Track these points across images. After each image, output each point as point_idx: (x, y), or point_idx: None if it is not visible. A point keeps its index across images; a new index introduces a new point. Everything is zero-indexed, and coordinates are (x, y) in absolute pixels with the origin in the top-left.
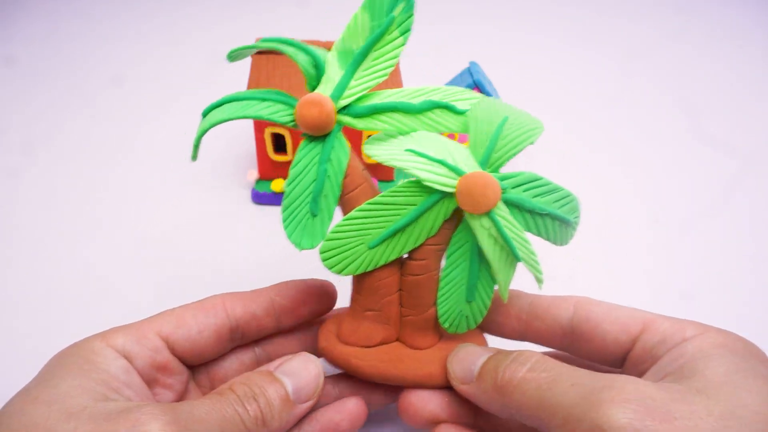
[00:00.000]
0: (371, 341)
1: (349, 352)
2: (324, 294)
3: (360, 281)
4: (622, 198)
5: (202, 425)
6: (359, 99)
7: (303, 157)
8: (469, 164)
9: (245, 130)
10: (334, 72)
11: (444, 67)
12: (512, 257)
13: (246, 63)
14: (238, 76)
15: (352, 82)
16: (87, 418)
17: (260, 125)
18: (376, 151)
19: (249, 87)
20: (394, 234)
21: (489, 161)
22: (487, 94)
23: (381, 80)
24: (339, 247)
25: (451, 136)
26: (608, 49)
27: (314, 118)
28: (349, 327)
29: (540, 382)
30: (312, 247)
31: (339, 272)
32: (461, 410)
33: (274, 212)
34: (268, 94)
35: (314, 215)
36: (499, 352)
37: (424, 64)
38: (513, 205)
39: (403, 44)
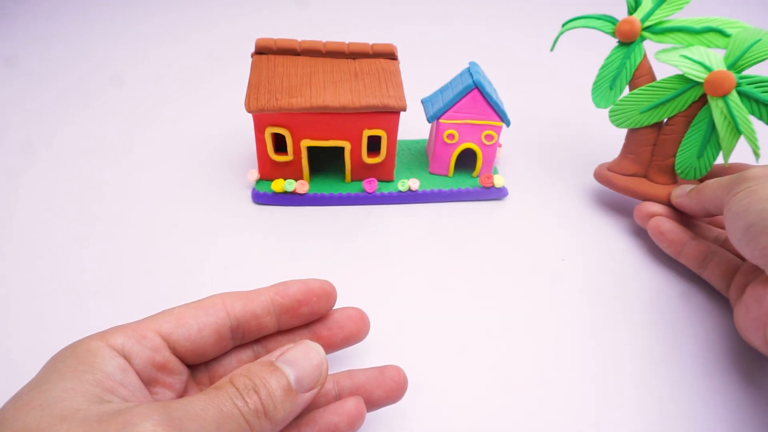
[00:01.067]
0: (627, 172)
1: (611, 174)
2: (324, 294)
3: (631, 134)
4: None
5: (197, 422)
6: (659, 23)
7: (613, 55)
8: (718, 65)
9: (245, 130)
10: (646, 4)
11: (444, 67)
12: (736, 130)
13: (246, 63)
14: (238, 77)
15: (657, 12)
16: (79, 422)
17: (260, 125)
18: (665, 56)
19: (249, 87)
20: (658, 106)
21: (735, 65)
22: (487, 94)
23: (677, 12)
24: (622, 110)
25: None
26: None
27: (627, 30)
28: (615, 162)
29: (721, 181)
30: (604, 107)
31: (618, 125)
32: (668, 213)
33: (275, 212)
34: (602, 17)
35: (611, 89)
36: None
37: (424, 64)
38: (744, 95)
39: None
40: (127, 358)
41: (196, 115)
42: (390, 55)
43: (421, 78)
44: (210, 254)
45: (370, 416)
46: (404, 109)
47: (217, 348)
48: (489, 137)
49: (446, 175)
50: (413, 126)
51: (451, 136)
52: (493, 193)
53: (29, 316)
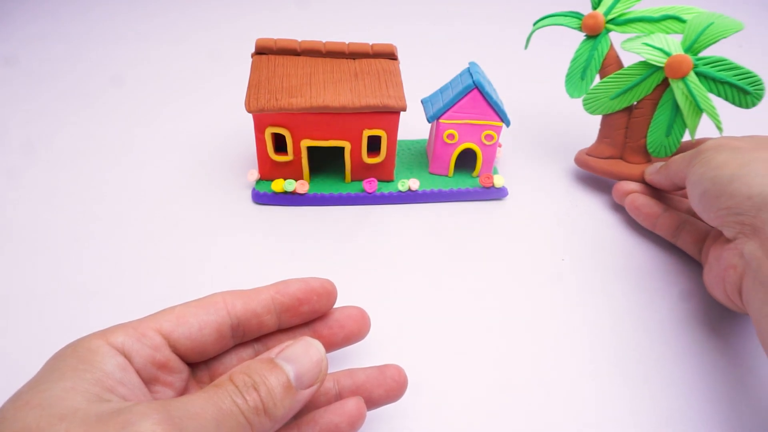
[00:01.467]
0: (603, 155)
1: (589, 158)
2: (324, 292)
3: (604, 119)
4: None
5: (197, 421)
6: (621, 15)
7: (582, 47)
8: (676, 50)
9: (245, 130)
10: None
11: (444, 67)
12: (697, 108)
13: (246, 63)
14: (238, 77)
15: (618, 5)
16: (79, 421)
17: (260, 125)
18: (629, 45)
19: (249, 87)
20: (625, 91)
21: (692, 48)
22: (487, 94)
23: (637, 3)
24: (594, 97)
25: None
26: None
27: (592, 24)
28: (593, 146)
29: (684, 155)
30: (578, 97)
31: (592, 112)
32: (643, 190)
33: (275, 212)
34: (568, 13)
35: (582, 79)
36: None
37: (424, 64)
38: (702, 75)
39: None
40: (127, 357)
41: (196, 115)
42: (390, 55)
43: (421, 78)
44: (210, 254)
45: (371, 415)
46: (404, 109)
47: (218, 346)
48: (489, 137)
49: (446, 175)
50: (413, 126)
51: (451, 136)
52: (493, 193)
53: (29, 316)
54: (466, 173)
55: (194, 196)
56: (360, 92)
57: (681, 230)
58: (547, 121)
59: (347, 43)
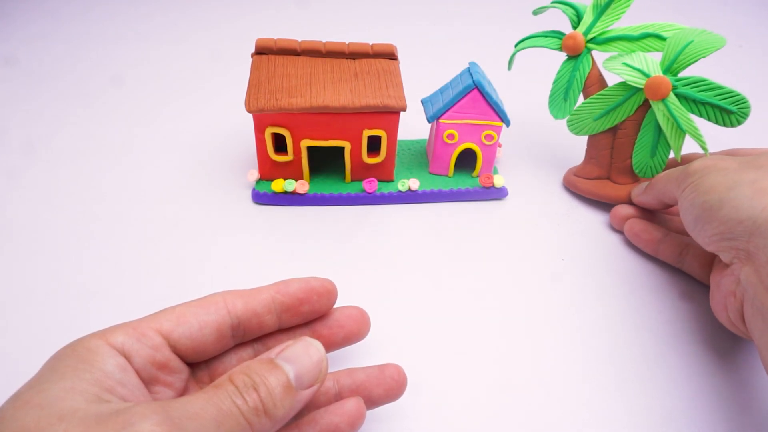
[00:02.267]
0: (590, 175)
1: (577, 179)
2: (324, 292)
3: (590, 140)
4: None
5: (196, 421)
6: (601, 33)
7: (564, 68)
8: (655, 70)
9: (245, 130)
10: (587, 17)
11: (444, 67)
12: (680, 129)
13: (246, 63)
14: (238, 77)
15: (598, 24)
16: (78, 421)
17: (260, 125)
18: (610, 65)
19: (249, 87)
20: (608, 112)
21: (671, 68)
22: (487, 94)
23: (616, 22)
24: (577, 118)
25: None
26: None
27: (571, 45)
28: (580, 167)
29: (670, 174)
30: (562, 118)
31: (576, 133)
32: (640, 214)
33: (275, 212)
34: (549, 34)
35: (565, 100)
36: None
37: (424, 64)
38: (682, 96)
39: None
40: (126, 357)
41: (196, 115)
42: (390, 55)
43: (421, 78)
44: (210, 254)
45: (370, 415)
46: (404, 109)
47: (218, 346)
48: (489, 137)
49: (446, 175)
50: (413, 126)
51: (451, 136)
52: (493, 193)
53: (29, 316)
54: (466, 173)
55: (194, 196)
56: (360, 92)
57: (685, 255)
58: (548, 121)
59: (347, 43)
